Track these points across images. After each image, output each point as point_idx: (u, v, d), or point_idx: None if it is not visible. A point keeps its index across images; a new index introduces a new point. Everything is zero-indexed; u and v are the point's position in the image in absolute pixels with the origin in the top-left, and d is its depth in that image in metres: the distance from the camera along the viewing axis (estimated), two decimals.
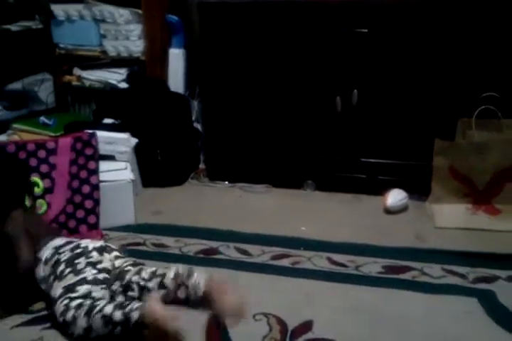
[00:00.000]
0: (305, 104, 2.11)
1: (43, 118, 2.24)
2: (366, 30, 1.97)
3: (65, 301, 1.27)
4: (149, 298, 1.21)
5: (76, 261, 1.36)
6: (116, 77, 2.45)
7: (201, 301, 1.28)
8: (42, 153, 1.69)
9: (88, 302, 1.24)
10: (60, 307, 1.27)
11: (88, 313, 1.21)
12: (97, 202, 1.72)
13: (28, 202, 1.67)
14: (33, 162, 1.68)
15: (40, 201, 1.68)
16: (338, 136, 2.10)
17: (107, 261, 1.39)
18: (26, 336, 1.29)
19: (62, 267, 1.36)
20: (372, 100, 2.02)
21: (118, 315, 1.18)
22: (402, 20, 1.94)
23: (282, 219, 1.93)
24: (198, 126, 2.46)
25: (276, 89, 2.13)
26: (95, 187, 1.73)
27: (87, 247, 1.41)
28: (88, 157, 1.73)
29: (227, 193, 2.20)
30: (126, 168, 1.96)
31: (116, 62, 2.50)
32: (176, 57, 2.47)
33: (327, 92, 2.06)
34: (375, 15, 1.96)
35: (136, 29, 2.40)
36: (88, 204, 1.69)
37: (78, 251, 1.40)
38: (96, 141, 1.76)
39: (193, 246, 1.74)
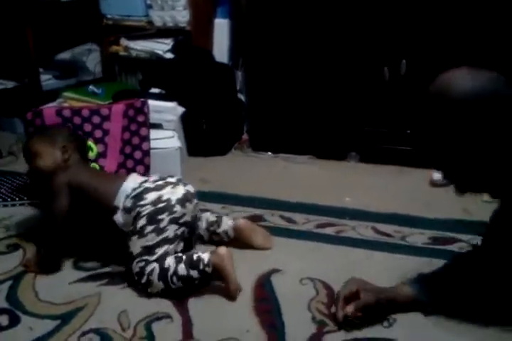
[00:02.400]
0: (352, 74, 2.09)
1: (91, 87, 2.29)
2: None
3: (141, 264, 1.33)
4: (219, 249, 1.33)
5: (159, 217, 1.34)
6: (162, 47, 2.47)
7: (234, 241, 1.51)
8: (96, 119, 1.73)
9: (160, 266, 1.31)
10: (135, 267, 1.34)
11: (163, 278, 1.30)
12: (147, 168, 1.77)
13: None
14: (88, 127, 1.72)
15: (93, 165, 1.73)
16: (384, 107, 2.08)
17: (189, 213, 1.41)
18: (84, 291, 1.36)
19: (143, 222, 1.34)
20: (421, 71, 1.98)
21: (194, 273, 1.30)
22: None
23: (326, 189, 1.94)
24: (242, 97, 2.47)
25: (323, 58, 2.11)
26: (146, 154, 1.78)
27: (169, 200, 1.36)
28: (140, 124, 1.77)
29: (270, 163, 2.22)
30: (173, 136, 2.00)
31: (162, 33, 2.52)
32: (221, 27, 2.47)
33: (375, 62, 2.04)
34: None
35: None
36: (139, 169, 1.74)
37: (161, 205, 1.35)
38: (148, 109, 1.79)
39: (238, 213, 1.77)
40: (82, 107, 1.77)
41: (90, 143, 1.73)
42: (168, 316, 1.25)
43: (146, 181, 1.43)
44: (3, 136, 2.52)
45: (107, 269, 1.46)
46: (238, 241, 1.52)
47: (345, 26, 2.04)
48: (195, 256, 1.32)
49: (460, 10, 1.89)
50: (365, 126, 2.14)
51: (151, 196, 1.37)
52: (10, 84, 2.67)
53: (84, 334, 1.19)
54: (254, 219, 1.72)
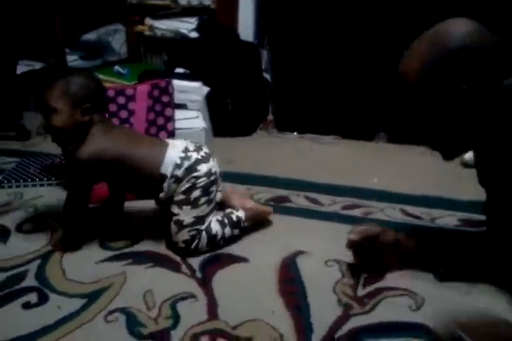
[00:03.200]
0: (380, 54, 2.03)
1: (117, 68, 2.29)
2: None
3: (193, 232, 1.40)
4: (244, 203, 1.53)
5: (211, 189, 1.42)
6: (187, 26, 2.45)
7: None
8: (121, 100, 1.73)
9: (208, 233, 1.41)
10: (184, 235, 1.40)
11: (211, 243, 1.42)
12: None
13: None
14: (113, 108, 1.72)
15: None
16: None
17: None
18: (110, 270, 1.37)
19: (198, 193, 1.40)
20: None
21: (237, 231, 1.47)
22: None
23: (353, 170, 1.90)
24: (267, 76, 2.44)
25: (350, 38, 2.06)
26: (171, 134, 1.77)
27: (216, 173, 1.44)
28: (165, 104, 1.76)
29: (296, 144, 2.19)
30: (198, 117, 1.99)
31: (187, 11, 2.49)
32: (246, 6, 2.42)
33: (405, 41, 1.96)
34: None
35: None
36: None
37: (212, 178, 1.42)
38: (172, 89, 1.78)
39: (263, 194, 1.76)
40: (108, 88, 1.76)
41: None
42: (193, 296, 1.25)
43: (188, 150, 1.42)
44: (32, 117, 2.54)
45: (132, 249, 1.47)
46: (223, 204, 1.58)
47: (375, 7, 1.98)
48: (234, 217, 1.47)
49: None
50: (392, 105, 2.07)
51: (203, 168, 1.40)
52: (37, 65, 2.69)
53: (110, 313, 1.20)
54: (280, 200, 1.71)
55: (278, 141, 2.24)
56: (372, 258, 1.29)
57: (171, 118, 1.78)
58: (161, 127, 1.77)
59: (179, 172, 1.38)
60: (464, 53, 1.02)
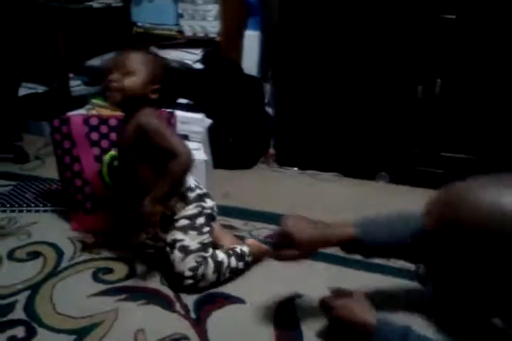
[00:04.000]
0: (384, 92, 2.04)
1: None
2: (454, 17, 1.88)
3: (199, 259, 1.38)
4: (247, 240, 1.56)
5: (211, 223, 1.46)
6: (192, 57, 2.46)
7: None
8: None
9: (215, 261, 1.40)
10: (191, 262, 1.37)
11: (218, 271, 1.39)
12: None
13: (106, 175, 1.71)
14: (114, 136, 1.71)
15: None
16: (417, 128, 2.03)
17: None
18: (102, 305, 1.33)
19: (202, 221, 1.42)
20: (456, 91, 1.93)
21: (241, 264, 1.45)
22: (498, 8, 1.82)
23: (353, 211, 1.84)
24: (270, 110, 2.44)
25: (354, 75, 2.07)
26: None
27: (215, 211, 1.49)
28: None
29: (296, 180, 2.18)
30: (199, 148, 1.98)
31: (192, 42, 2.51)
32: (252, 40, 2.45)
33: (408, 80, 1.99)
34: (467, 1, 1.86)
35: (214, 9, 2.39)
36: None
37: (214, 213, 1.48)
38: (175, 120, 1.77)
39: (261, 230, 1.73)
40: (110, 116, 1.75)
41: (116, 153, 1.71)
42: (186, 338, 1.22)
43: (197, 181, 1.48)
44: (31, 140, 2.53)
45: (126, 283, 1.43)
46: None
47: (379, 43, 2.00)
48: (238, 250, 1.46)
49: (500, 30, 1.84)
50: (396, 145, 2.08)
51: (209, 202, 1.46)
52: (40, 89, 2.69)
53: None
54: None
55: (278, 175, 2.23)
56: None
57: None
58: None
59: (191, 195, 1.42)
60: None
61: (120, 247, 1.59)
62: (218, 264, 1.40)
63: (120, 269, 1.50)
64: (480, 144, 1.96)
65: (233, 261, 1.43)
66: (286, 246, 1.14)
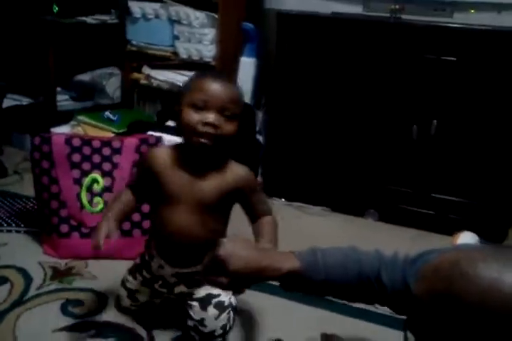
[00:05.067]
0: (378, 129, 2.01)
1: (107, 113, 2.22)
2: (454, 59, 1.86)
3: (229, 315, 1.25)
4: None
5: None
6: (185, 79, 2.41)
7: None
8: (106, 151, 1.65)
9: (233, 310, 1.27)
10: (224, 319, 1.23)
11: (234, 318, 1.28)
12: None
13: (85, 199, 1.64)
14: (97, 159, 1.64)
15: (97, 199, 1.64)
16: (410, 167, 1.99)
17: None
18: None
19: None
20: (452, 133, 1.90)
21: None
22: (494, 51, 1.81)
23: None
24: (261, 138, 2.39)
25: (349, 109, 2.04)
26: None
27: None
28: None
29: (282, 212, 2.10)
30: None
31: (186, 65, 2.46)
32: (247, 66, 2.41)
33: (404, 119, 1.95)
34: (465, 44, 1.85)
35: (210, 33, 2.36)
36: (145, 207, 1.63)
37: None
38: (162, 145, 1.71)
39: None
40: (94, 137, 1.68)
41: (97, 175, 1.64)
42: None
43: None
44: (12, 153, 2.44)
45: (96, 318, 1.34)
46: None
47: (376, 80, 1.98)
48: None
49: (498, 73, 1.82)
50: (387, 183, 2.04)
51: None
52: (25, 101, 2.62)
53: None
54: None
55: None
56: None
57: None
58: None
59: None
60: None
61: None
62: (235, 311, 1.27)
63: (92, 301, 1.41)
64: (472, 187, 1.92)
65: (233, 300, 1.28)
66: (218, 272, 0.97)
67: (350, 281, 0.93)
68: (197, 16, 2.37)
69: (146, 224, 1.62)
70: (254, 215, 1.23)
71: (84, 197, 1.64)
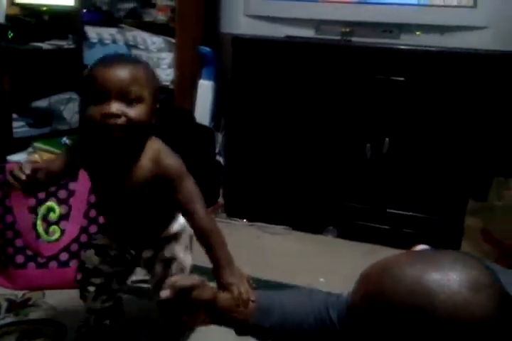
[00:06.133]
0: (333, 148, 2.06)
1: (65, 139, 2.21)
2: (403, 79, 1.94)
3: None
4: None
5: None
6: None
7: None
8: None
9: None
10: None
11: None
12: None
13: (41, 228, 1.61)
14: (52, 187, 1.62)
15: (54, 227, 1.62)
16: (365, 184, 2.04)
17: None
18: None
19: None
20: (403, 150, 1.97)
21: None
22: (441, 71, 1.90)
23: (300, 267, 1.84)
24: (221, 160, 2.41)
25: (305, 129, 2.09)
26: None
27: None
28: None
29: (244, 232, 2.13)
30: None
31: None
32: (205, 89, 2.44)
33: (357, 138, 2.01)
34: (413, 65, 1.92)
35: (168, 57, 2.39)
36: None
37: None
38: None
39: None
40: None
41: (53, 203, 1.62)
42: None
43: None
44: None
45: None
46: None
47: (330, 100, 2.03)
48: None
49: (446, 93, 1.90)
50: (344, 200, 2.08)
51: None
52: None
53: None
54: None
55: (226, 227, 2.14)
56: (182, 314, 1.03)
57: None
58: None
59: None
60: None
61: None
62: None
63: (50, 333, 1.38)
64: (424, 202, 1.98)
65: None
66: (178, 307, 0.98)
67: (306, 327, 0.95)
68: (154, 41, 2.40)
69: None
70: (184, 208, 1.12)
71: (40, 226, 1.62)
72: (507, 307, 0.64)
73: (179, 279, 1.01)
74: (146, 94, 1.05)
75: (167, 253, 1.26)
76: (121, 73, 1.02)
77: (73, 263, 1.59)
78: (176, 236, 1.27)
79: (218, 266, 1.08)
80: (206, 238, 1.10)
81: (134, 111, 1.03)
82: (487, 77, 1.84)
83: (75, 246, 1.63)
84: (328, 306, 0.94)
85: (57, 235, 1.63)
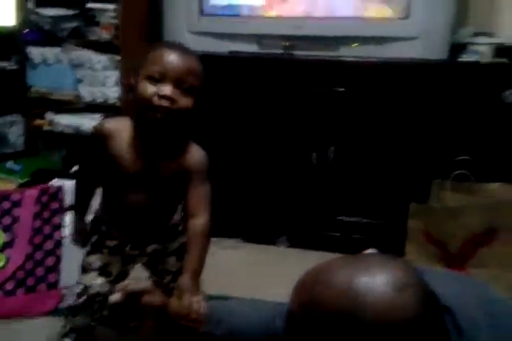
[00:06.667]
0: (280, 159, 2.10)
1: (10, 164, 2.17)
2: (343, 89, 2.00)
3: None
4: None
5: None
6: (90, 122, 2.40)
7: None
8: (6, 205, 1.60)
9: None
10: None
11: None
12: (59, 260, 1.63)
13: None
14: (17, 212, 1.60)
15: None
16: (313, 193, 2.08)
17: None
18: None
19: None
20: (348, 158, 2.03)
21: None
22: (379, 81, 1.97)
23: (253, 280, 1.86)
24: None
25: (252, 141, 2.12)
26: (58, 244, 1.64)
27: None
28: (53, 211, 1.64)
29: None
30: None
31: (91, 108, 2.46)
32: None
33: (304, 148, 2.06)
34: (352, 75, 1.99)
35: (113, 75, 2.38)
36: (50, 261, 1.59)
37: None
38: (63, 195, 1.68)
39: None
40: (11, 191, 1.65)
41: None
42: None
43: None
44: None
45: None
46: None
47: (275, 112, 2.08)
48: None
49: (385, 102, 1.98)
50: (294, 209, 2.12)
51: None
52: None
53: None
54: None
55: None
56: (131, 319, 1.04)
57: (59, 227, 1.65)
58: (48, 236, 1.63)
59: None
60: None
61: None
62: None
63: None
64: (371, 207, 2.04)
65: None
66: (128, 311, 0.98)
67: (254, 336, 0.97)
68: (99, 59, 2.39)
69: (52, 277, 1.59)
70: (189, 208, 1.17)
71: None
72: (431, 305, 0.67)
73: (130, 283, 1.02)
74: (197, 87, 1.10)
75: (176, 244, 1.27)
76: (185, 62, 1.08)
77: (20, 292, 1.57)
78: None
79: (186, 269, 1.10)
80: (196, 240, 1.15)
81: (184, 100, 1.08)
82: (420, 84, 1.93)
83: (21, 274, 1.60)
84: (276, 315, 0.95)
85: (1, 263, 1.59)
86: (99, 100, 2.40)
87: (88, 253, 1.30)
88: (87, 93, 2.41)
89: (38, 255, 1.61)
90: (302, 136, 2.05)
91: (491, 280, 1.65)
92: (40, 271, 1.59)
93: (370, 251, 1.34)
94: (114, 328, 1.18)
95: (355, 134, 2.01)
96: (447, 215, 1.81)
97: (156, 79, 1.06)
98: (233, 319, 1.00)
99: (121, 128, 1.16)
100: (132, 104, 1.14)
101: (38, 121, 2.49)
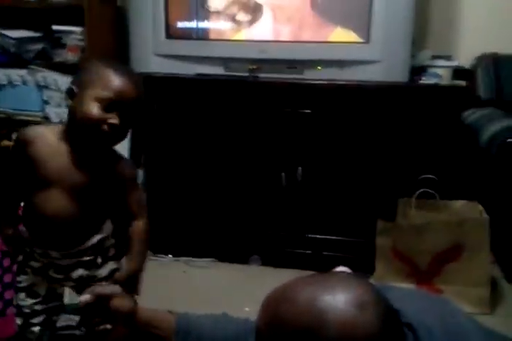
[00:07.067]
0: (250, 179, 2.14)
1: None
2: (309, 111, 2.06)
3: None
4: None
5: None
6: None
7: None
8: None
9: None
10: None
11: None
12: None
13: None
14: None
15: None
16: (283, 212, 2.13)
17: None
18: None
19: None
20: (316, 177, 2.08)
21: None
22: (343, 102, 2.04)
23: (226, 298, 1.88)
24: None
25: (222, 163, 2.15)
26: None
27: None
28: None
29: (170, 268, 2.14)
30: None
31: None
32: None
33: (272, 168, 2.10)
34: (317, 98, 2.05)
35: None
36: None
37: None
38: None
39: None
40: None
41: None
42: None
43: None
44: None
45: None
46: None
47: (243, 133, 2.12)
48: None
49: (350, 123, 2.05)
50: (266, 228, 2.16)
51: None
52: None
53: None
54: None
55: (151, 264, 2.12)
56: (100, 322, 1.01)
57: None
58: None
59: None
60: None
61: None
62: None
63: None
64: (340, 225, 2.09)
65: None
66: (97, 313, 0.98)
67: None
68: (65, 81, 2.38)
69: (10, 311, 1.54)
70: (129, 211, 1.22)
71: None
72: (392, 322, 0.71)
73: (100, 287, 1.03)
74: (137, 113, 1.14)
75: (105, 270, 1.26)
76: (135, 92, 1.11)
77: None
78: (102, 248, 1.26)
79: (126, 264, 1.19)
80: (135, 243, 1.21)
81: (127, 125, 1.11)
82: (383, 106, 2.01)
83: None
84: (248, 332, 0.97)
85: None
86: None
87: (17, 272, 1.29)
88: (54, 114, 2.40)
89: (7, 277, 1.57)
90: (271, 157, 2.10)
91: (457, 297, 1.71)
92: (9, 295, 1.55)
93: (340, 268, 1.38)
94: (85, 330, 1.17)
95: (322, 154, 2.07)
96: (413, 232, 1.87)
97: (104, 102, 1.08)
98: (202, 331, 1.02)
99: (45, 134, 1.18)
100: (69, 111, 1.16)
101: (5, 142, 2.47)
